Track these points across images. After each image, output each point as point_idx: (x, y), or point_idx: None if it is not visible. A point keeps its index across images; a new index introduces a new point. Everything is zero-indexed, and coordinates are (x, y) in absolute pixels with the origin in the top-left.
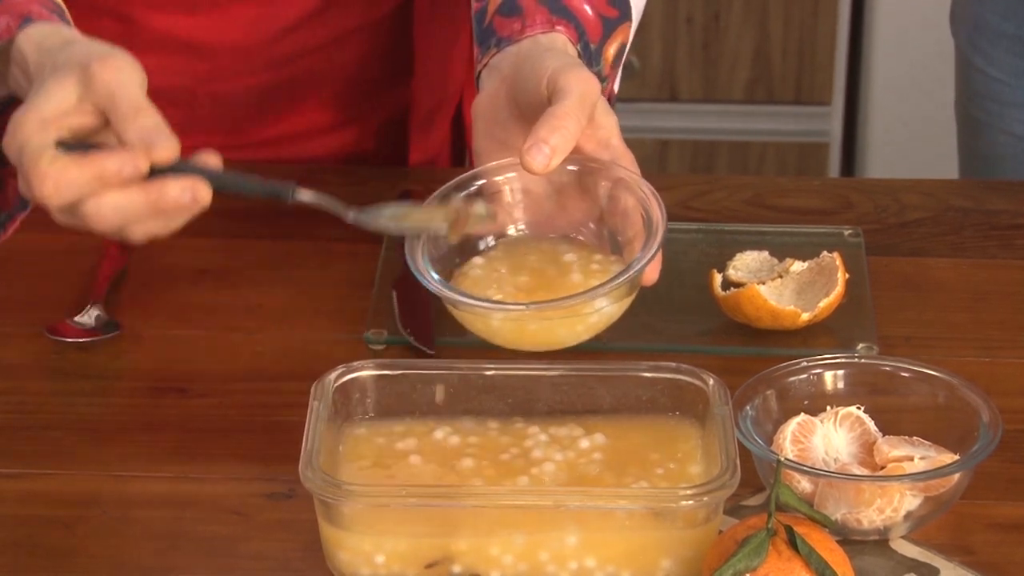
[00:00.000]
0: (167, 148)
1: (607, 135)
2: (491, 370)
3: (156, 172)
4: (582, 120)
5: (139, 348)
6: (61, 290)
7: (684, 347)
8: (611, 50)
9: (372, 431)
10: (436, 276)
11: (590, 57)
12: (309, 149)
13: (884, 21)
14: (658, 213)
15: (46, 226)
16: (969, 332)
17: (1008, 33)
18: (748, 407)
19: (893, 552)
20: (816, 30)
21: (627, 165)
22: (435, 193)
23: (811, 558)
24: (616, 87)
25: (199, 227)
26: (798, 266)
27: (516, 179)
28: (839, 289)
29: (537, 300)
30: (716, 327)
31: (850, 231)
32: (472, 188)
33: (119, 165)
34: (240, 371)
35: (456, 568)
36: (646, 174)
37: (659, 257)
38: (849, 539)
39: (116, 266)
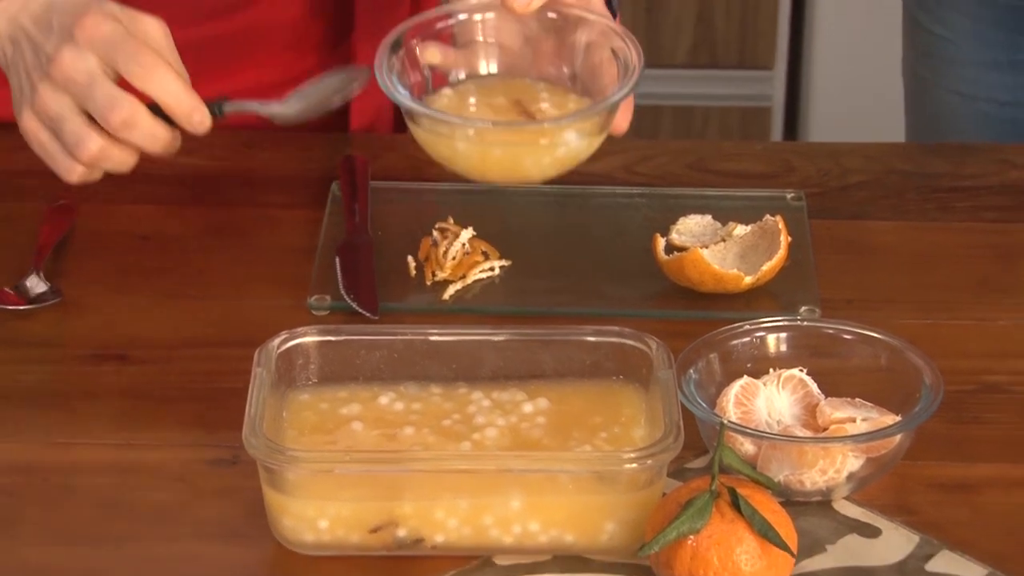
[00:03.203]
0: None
1: None
2: (435, 335)
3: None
4: None
5: (81, 315)
6: (1, 258)
7: (627, 311)
8: None
9: (316, 397)
10: (404, 91)
11: None
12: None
13: None
14: (636, 59)
15: None
16: (911, 294)
17: None
18: (691, 370)
19: (836, 513)
20: None
21: (601, 12)
22: (396, 29)
23: (754, 519)
24: None
25: (142, 193)
26: (741, 230)
27: (491, 21)
28: (781, 252)
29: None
30: (659, 291)
31: (792, 195)
32: (444, 27)
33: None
34: (183, 338)
35: (400, 532)
36: None
37: (630, 108)
38: (792, 500)
39: (57, 233)
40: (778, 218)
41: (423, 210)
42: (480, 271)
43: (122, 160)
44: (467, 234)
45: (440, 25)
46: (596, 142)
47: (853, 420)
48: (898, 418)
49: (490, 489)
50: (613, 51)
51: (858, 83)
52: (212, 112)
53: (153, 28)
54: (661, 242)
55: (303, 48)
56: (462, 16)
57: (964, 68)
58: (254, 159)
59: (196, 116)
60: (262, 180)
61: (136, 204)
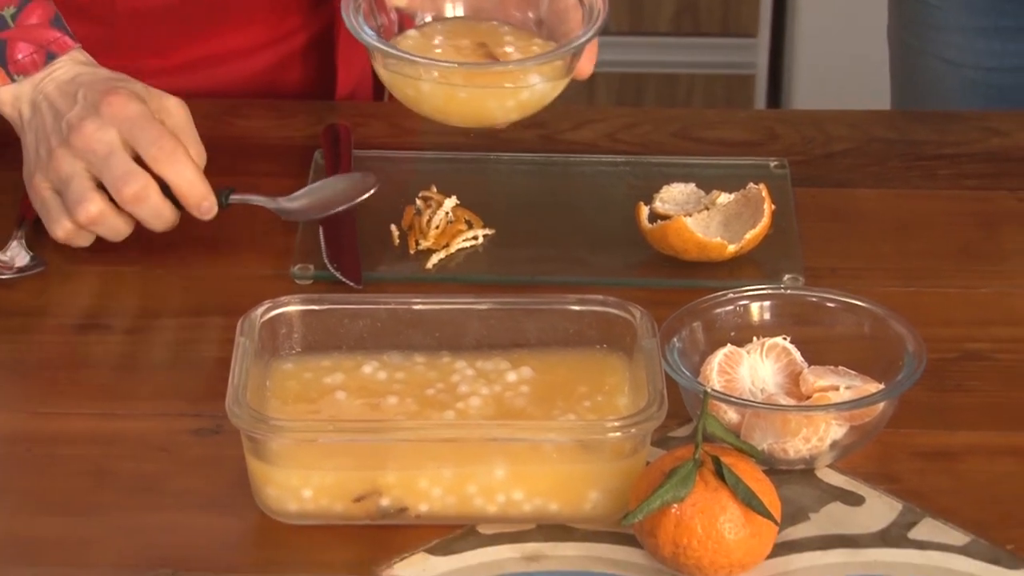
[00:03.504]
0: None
1: None
2: (419, 304)
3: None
4: None
5: (64, 285)
6: None
7: (611, 280)
8: None
9: (299, 366)
10: (371, 31)
11: None
12: (232, 73)
13: None
14: (601, 4)
15: None
16: (894, 262)
17: None
18: (675, 339)
19: (819, 481)
20: None
21: None
22: None
23: (738, 488)
24: None
25: None
26: (724, 198)
27: None
28: (765, 220)
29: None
30: (643, 260)
31: (776, 163)
32: None
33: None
34: (166, 307)
35: (384, 501)
36: (573, 107)
37: (594, 52)
38: (775, 469)
39: None
40: (762, 186)
41: (406, 179)
42: (464, 240)
43: (117, 229)
44: (450, 203)
45: None
46: (560, 86)
47: (836, 388)
48: (881, 386)
49: (474, 458)
50: None
51: (842, 50)
52: (219, 201)
53: (175, 108)
54: (645, 210)
55: (287, 9)
56: None
57: (950, 35)
58: (237, 127)
59: (205, 204)
60: (245, 148)
61: None
